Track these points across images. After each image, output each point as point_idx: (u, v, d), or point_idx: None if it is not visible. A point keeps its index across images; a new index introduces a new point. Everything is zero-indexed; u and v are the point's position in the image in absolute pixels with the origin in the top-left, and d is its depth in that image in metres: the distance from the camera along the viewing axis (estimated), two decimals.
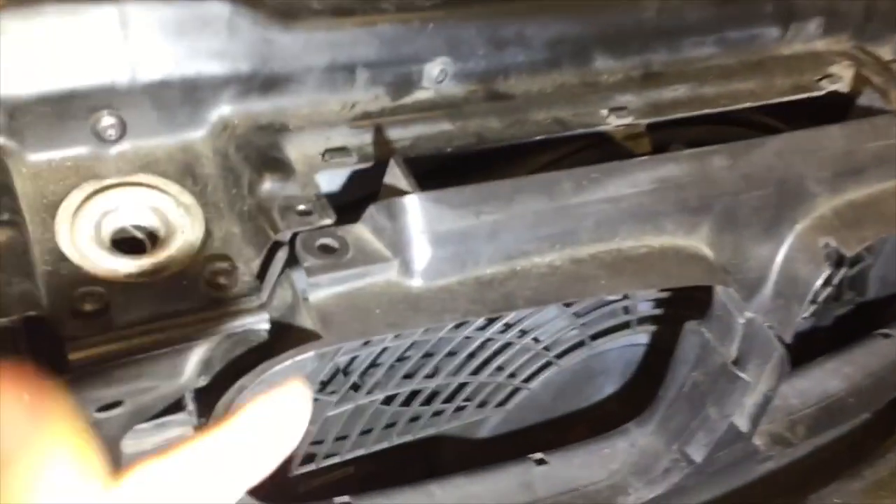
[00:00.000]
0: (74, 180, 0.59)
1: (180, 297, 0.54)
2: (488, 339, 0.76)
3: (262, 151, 0.62)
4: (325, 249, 0.57)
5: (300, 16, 0.64)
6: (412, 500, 0.76)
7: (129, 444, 0.57)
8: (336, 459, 0.75)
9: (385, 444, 0.78)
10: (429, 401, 0.78)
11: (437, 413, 0.80)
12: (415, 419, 0.78)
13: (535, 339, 0.82)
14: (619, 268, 0.63)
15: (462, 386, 0.79)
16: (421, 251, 0.58)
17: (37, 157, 0.58)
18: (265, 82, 0.64)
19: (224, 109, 0.63)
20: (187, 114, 0.62)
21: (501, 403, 0.84)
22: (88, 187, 0.58)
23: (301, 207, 0.59)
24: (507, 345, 0.79)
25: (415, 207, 0.58)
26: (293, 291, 0.57)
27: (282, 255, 0.57)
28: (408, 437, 0.80)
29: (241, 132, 0.63)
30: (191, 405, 0.59)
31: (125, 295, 0.54)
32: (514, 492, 0.78)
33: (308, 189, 0.61)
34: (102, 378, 0.52)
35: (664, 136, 0.76)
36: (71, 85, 0.59)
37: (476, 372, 0.79)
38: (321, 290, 0.56)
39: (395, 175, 0.60)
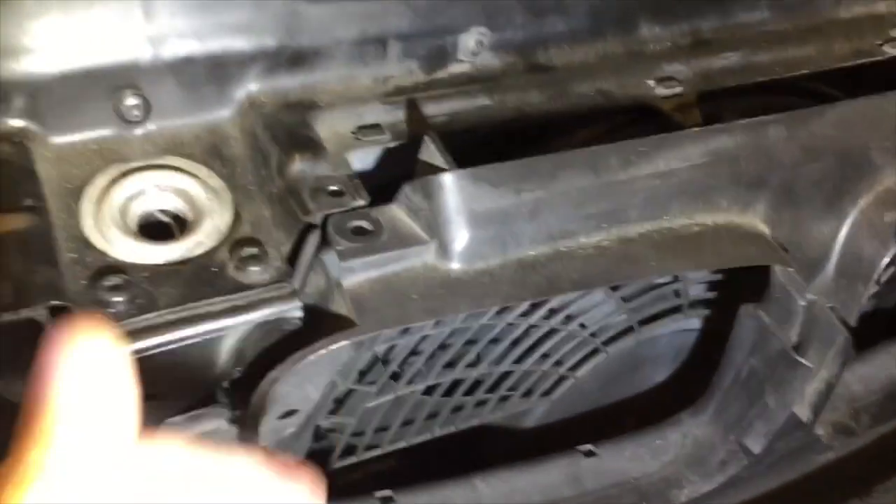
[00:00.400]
0: (98, 163, 0.56)
1: (209, 284, 0.52)
2: (532, 326, 0.73)
3: (292, 130, 0.59)
4: (359, 232, 0.54)
5: None
6: (455, 494, 0.73)
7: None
8: (377, 452, 0.73)
9: (427, 436, 0.75)
10: (471, 390, 0.75)
11: (481, 403, 0.77)
12: (457, 409, 0.75)
13: (582, 325, 0.79)
14: (671, 247, 0.59)
15: (506, 375, 0.76)
16: (459, 232, 0.55)
17: (59, 139, 0.56)
18: (293, 57, 0.61)
19: (251, 87, 0.60)
20: (213, 92, 0.59)
21: (547, 393, 0.81)
22: (113, 171, 0.56)
23: (333, 188, 0.56)
24: (552, 331, 0.76)
25: (452, 186, 0.54)
26: (326, 276, 0.54)
27: (313, 238, 0.54)
28: (450, 429, 0.77)
29: (269, 110, 0.60)
30: (224, 396, 0.57)
31: (153, 283, 0.51)
32: (561, 485, 0.74)
33: (340, 169, 0.58)
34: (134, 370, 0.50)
35: (715, 108, 0.72)
36: (92, 64, 0.56)
37: (520, 360, 0.76)
38: (355, 274, 0.53)
39: (430, 152, 0.56)
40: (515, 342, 0.73)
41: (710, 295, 0.81)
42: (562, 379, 0.81)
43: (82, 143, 0.57)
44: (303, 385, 0.53)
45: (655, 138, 0.60)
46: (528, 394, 0.79)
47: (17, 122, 0.55)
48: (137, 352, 0.49)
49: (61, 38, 0.55)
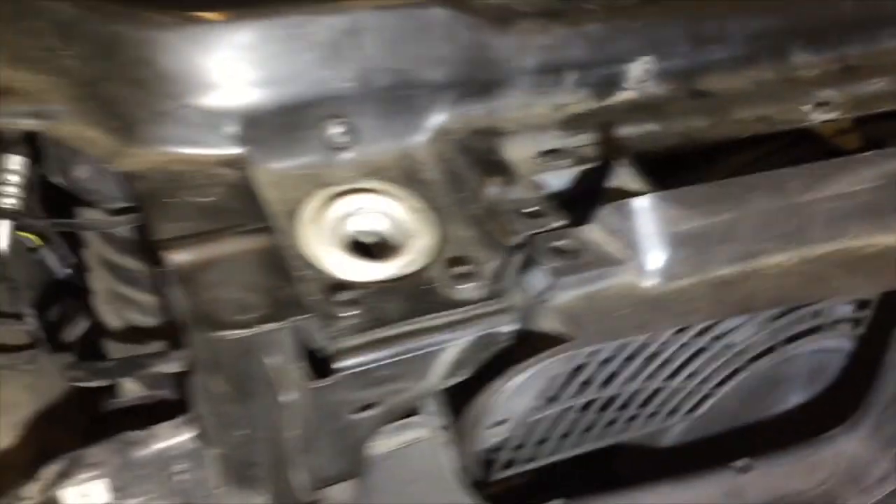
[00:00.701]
0: (308, 188, 0.60)
1: (425, 301, 0.55)
2: (683, 345, 0.74)
3: (483, 155, 0.62)
4: (563, 252, 0.56)
5: (513, 19, 0.64)
6: None
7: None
8: (533, 465, 0.75)
9: (579, 450, 0.77)
10: (624, 406, 0.77)
11: (632, 419, 0.79)
12: (610, 424, 0.77)
13: (727, 345, 0.80)
14: (853, 267, 0.61)
15: (657, 391, 0.78)
16: (657, 252, 0.57)
17: (274, 165, 0.59)
18: (481, 86, 0.64)
19: (442, 115, 0.63)
20: (409, 120, 0.63)
21: (691, 410, 0.83)
22: (324, 194, 0.59)
23: (532, 209, 0.59)
24: (701, 350, 0.77)
25: (650, 208, 0.57)
26: (526, 295, 0.57)
27: (518, 258, 0.57)
28: (601, 443, 0.79)
29: (460, 137, 0.63)
30: (432, 406, 0.59)
31: (375, 299, 0.54)
32: (721, 498, 0.76)
33: (533, 191, 0.60)
34: (362, 380, 0.53)
35: (875, 131, 0.74)
36: (303, 94, 0.60)
37: (671, 377, 0.78)
38: (562, 292, 0.55)
39: (624, 175, 0.59)
40: (667, 360, 0.75)
41: (858, 314, 0.82)
42: (706, 397, 0.83)
43: (294, 168, 0.60)
44: (515, 396, 0.56)
45: (834, 162, 0.62)
46: (674, 411, 0.81)
47: (237, 150, 0.58)
48: (367, 363, 0.51)
49: (274, 69, 0.59)
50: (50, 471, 0.74)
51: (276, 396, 0.55)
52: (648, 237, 0.57)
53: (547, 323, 0.55)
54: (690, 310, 0.56)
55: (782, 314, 0.80)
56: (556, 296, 0.55)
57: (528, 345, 0.55)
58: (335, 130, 0.60)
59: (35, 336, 0.90)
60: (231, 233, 0.54)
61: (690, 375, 0.79)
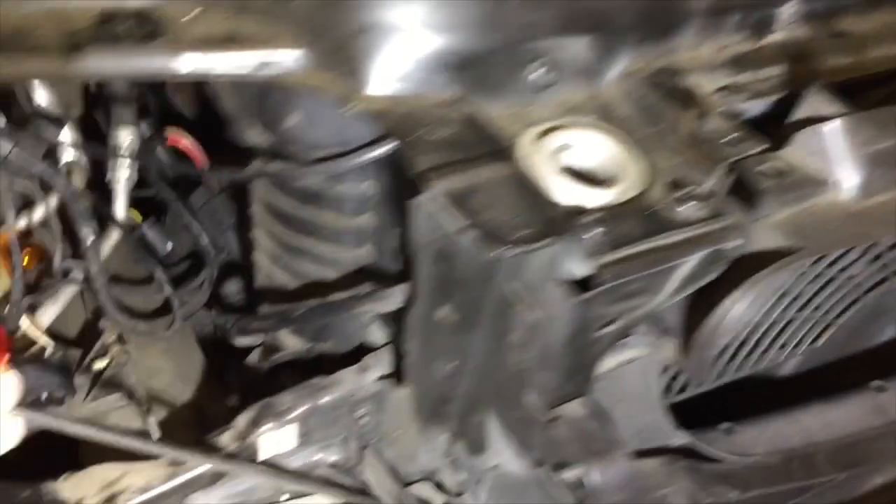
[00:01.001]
0: (518, 126, 0.63)
1: (655, 221, 0.59)
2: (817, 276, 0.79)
3: (673, 91, 0.66)
4: (772, 173, 0.61)
5: None
6: (783, 425, 0.80)
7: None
8: (702, 389, 0.79)
9: (732, 378, 0.82)
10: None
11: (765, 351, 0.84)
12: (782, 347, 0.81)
13: (850, 277, 0.86)
14: None
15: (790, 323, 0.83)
16: (855, 171, 0.62)
17: (486, 105, 0.63)
18: (661, 29, 0.69)
19: (628, 56, 0.68)
20: (601, 61, 0.67)
21: (814, 341, 0.88)
22: (534, 131, 0.63)
23: (732, 137, 0.63)
24: (830, 280, 0.83)
25: (845, 129, 0.62)
26: (743, 214, 0.61)
27: (727, 180, 0.62)
28: (745, 373, 0.84)
29: (645, 76, 0.68)
30: (646, 328, 0.64)
31: (612, 221, 0.58)
32: (870, 415, 0.82)
33: (728, 121, 0.65)
34: (611, 296, 0.57)
35: None
36: (511, 37, 0.63)
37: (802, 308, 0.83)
38: (776, 211, 0.60)
39: (817, 101, 0.64)
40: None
41: None
42: (828, 327, 0.88)
43: (504, 107, 0.64)
44: (747, 309, 0.60)
45: None
46: (800, 343, 0.86)
47: (457, 92, 0.62)
48: (624, 278, 0.56)
49: (489, 16, 0.62)
50: (243, 419, 0.76)
51: (522, 317, 0.59)
52: (847, 157, 0.62)
53: (764, 240, 0.60)
54: (886, 224, 0.62)
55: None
56: (770, 214, 0.60)
57: (747, 262, 0.60)
58: (539, 72, 0.64)
59: (171, 301, 0.93)
60: (482, 161, 0.57)
61: (819, 306, 0.84)
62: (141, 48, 0.56)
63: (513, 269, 0.57)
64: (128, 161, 0.86)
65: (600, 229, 0.56)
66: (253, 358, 0.92)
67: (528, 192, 0.57)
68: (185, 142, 0.98)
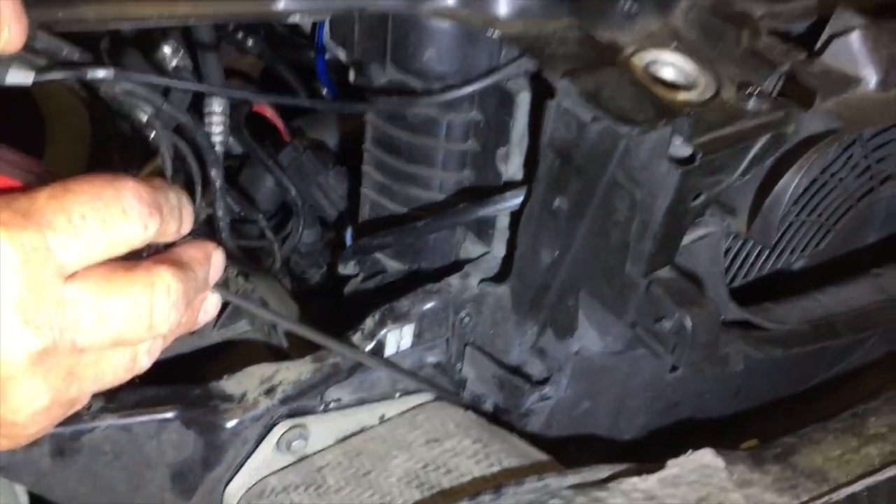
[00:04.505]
0: (612, 49, 0.78)
1: (732, 112, 0.74)
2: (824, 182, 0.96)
3: (729, 16, 0.82)
4: (815, 73, 0.78)
5: None
6: (806, 304, 0.96)
7: None
8: (755, 274, 0.95)
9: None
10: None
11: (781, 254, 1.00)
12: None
13: (840, 179, 1.02)
14: None
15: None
16: (879, 69, 0.79)
17: (591, 30, 0.78)
18: None
19: None
20: None
21: (817, 245, 1.04)
22: (628, 50, 0.78)
23: (783, 47, 0.79)
24: (834, 187, 0.99)
25: (869, 37, 0.79)
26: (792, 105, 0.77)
27: (779, 80, 0.78)
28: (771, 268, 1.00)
29: (706, 7, 0.83)
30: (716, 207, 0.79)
31: (701, 112, 0.73)
32: (875, 292, 0.99)
33: (775, 38, 0.81)
34: (703, 170, 0.72)
35: None
36: None
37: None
38: (822, 102, 0.76)
39: (844, 18, 0.80)
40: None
41: None
42: (828, 232, 1.05)
43: (605, 32, 0.79)
44: (804, 179, 0.76)
45: None
46: (805, 248, 1.03)
47: (571, 20, 0.77)
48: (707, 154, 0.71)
49: None
50: (370, 321, 0.89)
51: (630, 195, 0.73)
52: (868, 59, 0.79)
53: (813, 125, 0.76)
54: None
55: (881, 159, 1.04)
56: (816, 104, 0.76)
57: (800, 144, 0.76)
58: (628, 3, 0.79)
59: (273, 244, 1.05)
60: (600, 68, 0.72)
61: (823, 212, 1.01)
62: None
63: (629, 152, 0.71)
64: (221, 126, 0.98)
65: (692, 118, 0.72)
66: (351, 287, 1.04)
67: (639, 90, 0.72)
68: (269, 111, 1.11)
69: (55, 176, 0.51)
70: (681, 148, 0.71)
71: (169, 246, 0.54)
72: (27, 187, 0.49)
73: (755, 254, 0.94)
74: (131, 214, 0.49)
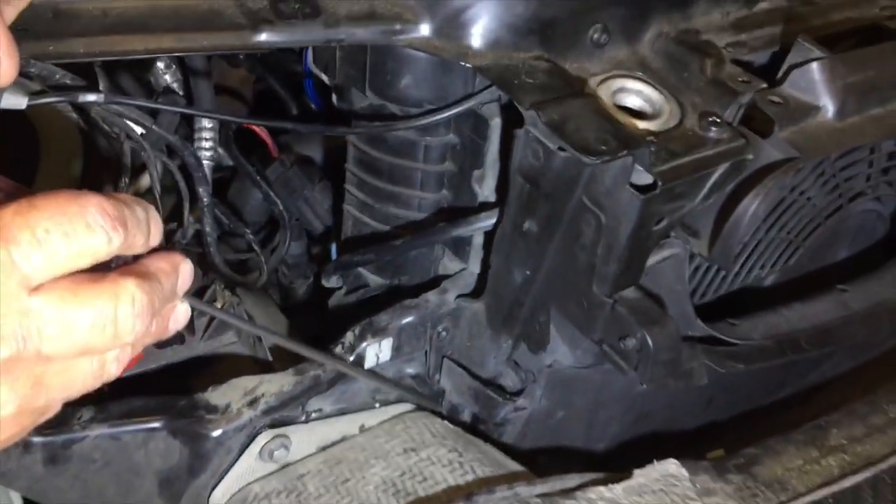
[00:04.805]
0: (584, 76, 0.82)
1: (692, 141, 0.78)
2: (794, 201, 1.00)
3: (696, 45, 0.86)
4: (775, 103, 0.81)
5: None
6: (772, 317, 1.00)
7: None
8: (720, 291, 0.99)
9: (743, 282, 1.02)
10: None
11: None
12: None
13: (809, 198, 1.06)
14: None
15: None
16: (836, 98, 0.82)
17: (560, 61, 0.81)
18: (682, 2, 0.88)
19: (658, 21, 0.87)
20: (638, 26, 0.86)
21: (787, 261, 1.08)
22: (596, 79, 0.82)
23: (742, 79, 0.83)
24: (792, 203, 1.03)
25: (827, 68, 0.82)
26: (751, 135, 0.81)
27: (740, 110, 0.81)
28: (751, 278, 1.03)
29: (672, 37, 0.87)
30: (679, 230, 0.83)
31: (663, 142, 0.77)
32: (837, 308, 1.03)
33: (737, 67, 0.85)
34: (664, 197, 0.75)
35: None
36: (578, 7, 0.82)
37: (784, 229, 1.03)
38: (780, 131, 0.80)
39: (804, 49, 0.84)
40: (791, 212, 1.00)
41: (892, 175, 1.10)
42: (797, 249, 1.09)
43: (570, 64, 0.82)
44: (761, 206, 0.80)
45: None
46: (776, 263, 1.06)
47: (540, 51, 0.80)
48: (678, 180, 0.74)
49: None
50: (350, 335, 0.93)
51: (595, 220, 0.77)
52: (826, 89, 0.82)
53: (770, 154, 0.80)
54: (861, 134, 0.82)
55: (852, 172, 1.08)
56: (774, 133, 0.80)
57: (759, 173, 0.80)
58: (597, 34, 0.83)
59: (259, 258, 1.08)
60: (567, 98, 0.75)
61: (791, 229, 1.05)
62: (310, 23, 0.72)
63: (594, 179, 0.75)
64: (210, 142, 1.02)
65: (654, 147, 0.75)
66: (335, 300, 1.08)
67: (603, 120, 0.75)
68: (257, 129, 1.15)
69: (25, 192, 0.54)
70: (643, 176, 0.75)
71: (138, 258, 0.57)
72: None
73: (722, 272, 0.98)
74: (95, 228, 0.51)
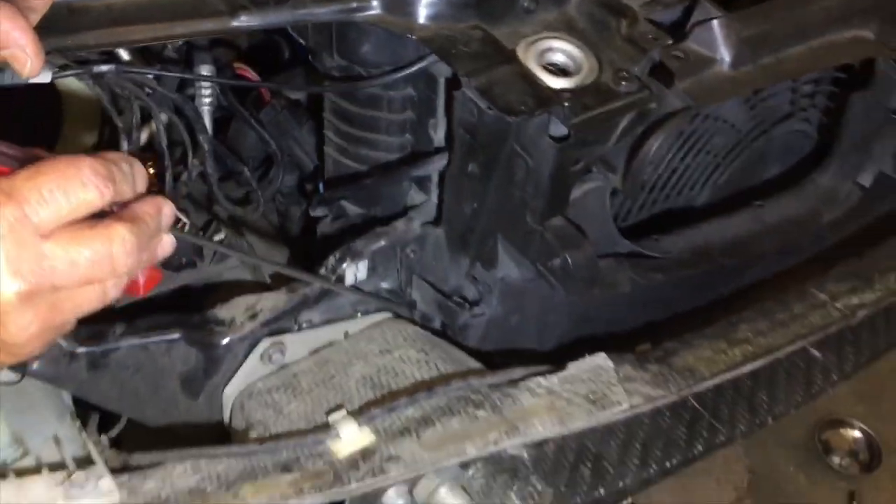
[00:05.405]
0: (515, 39, 0.96)
1: (606, 94, 0.93)
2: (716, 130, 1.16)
3: (614, 7, 1.00)
4: (677, 58, 0.96)
5: None
6: (692, 233, 1.17)
7: None
8: (641, 216, 1.16)
9: (661, 207, 1.19)
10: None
11: (693, 186, 1.21)
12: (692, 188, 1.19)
13: (732, 125, 1.21)
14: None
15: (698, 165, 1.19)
16: (732, 51, 0.97)
17: (493, 28, 0.96)
18: None
19: None
20: None
21: (717, 180, 1.24)
22: (526, 41, 0.96)
23: (651, 36, 0.97)
24: (717, 131, 1.18)
25: (726, 24, 0.97)
26: (660, 86, 0.96)
27: (650, 64, 0.96)
28: (670, 203, 1.21)
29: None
30: (601, 164, 0.99)
31: (578, 97, 0.92)
32: (750, 223, 1.19)
33: (649, 25, 0.99)
34: (578, 144, 0.91)
35: None
36: None
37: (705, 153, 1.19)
38: (684, 81, 0.95)
39: (706, 8, 0.98)
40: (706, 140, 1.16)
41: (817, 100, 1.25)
42: (726, 169, 1.25)
43: (506, 27, 0.97)
44: (661, 146, 0.96)
45: None
46: (704, 184, 1.23)
47: (475, 21, 0.95)
48: (588, 128, 0.90)
49: None
50: (332, 258, 1.11)
51: (523, 165, 0.94)
52: (727, 42, 0.97)
53: (670, 102, 0.95)
54: (752, 81, 0.97)
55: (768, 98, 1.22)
56: (682, 83, 0.95)
57: (663, 118, 0.95)
58: (526, 1, 0.97)
59: (256, 192, 1.26)
60: (497, 64, 0.91)
61: (718, 152, 1.20)
62: (280, 7, 0.88)
63: (519, 131, 0.91)
64: (210, 90, 1.18)
65: (570, 102, 0.91)
66: (322, 227, 1.26)
67: (526, 83, 0.91)
68: (250, 73, 1.30)
69: (35, 157, 0.69)
70: (560, 128, 0.91)
71: (128, 203, 0.71)
72: (13, 171, 0.66)
73: (644, 196, 1.14)
74: (89, 185, 0.65)
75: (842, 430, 2.34)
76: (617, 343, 1.22)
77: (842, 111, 1.19)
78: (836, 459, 2.28)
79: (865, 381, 2.38)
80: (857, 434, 2.33)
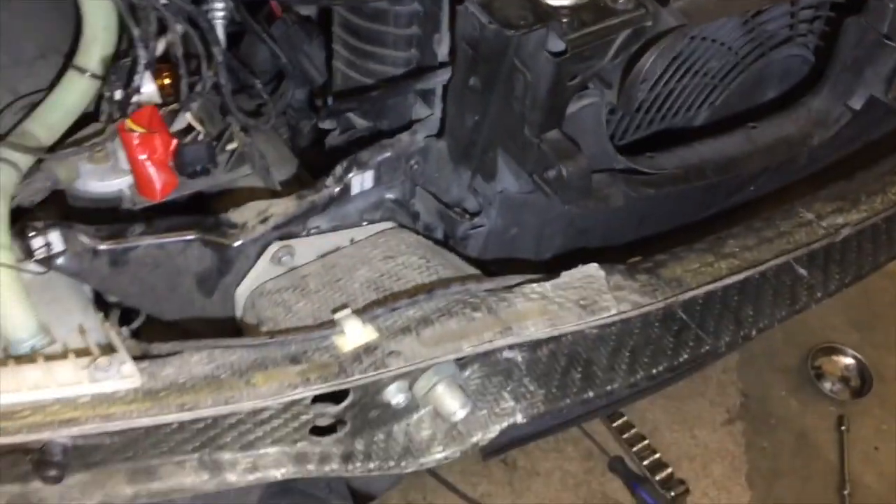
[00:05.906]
0: None
1: (602, 12, 0.97)
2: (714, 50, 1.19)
3: None
4: None
5: None
6: (686, 151, 1.22)
7: None
8: (637, 135, 1.20)
9: (658, 126, 1.23)
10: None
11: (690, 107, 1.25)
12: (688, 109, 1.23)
13: (730, 48, 1.25)
14: None
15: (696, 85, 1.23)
16: None
17: None
18: None
19: None
20: None
21: (713, 102, 1.28)
22: None
23: None
24: (715, 53, 1.22)
25: None
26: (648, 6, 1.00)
27: None
28: (666, 124, 1.25)
29: None
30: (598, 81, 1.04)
31: (576, 13, 0.96)
32: (743, 143, 1.24)
33: None
34: (575, 60, 0.96)
35: None
36: None
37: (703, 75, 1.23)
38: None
39: None
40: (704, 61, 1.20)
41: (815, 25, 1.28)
42: (724, 90, 1.29)
43: None
44: (656, 63, 1.00)
45: None
46: (701, 104, 1.27)
47: None
48: (585, 43, 0.94)
49: None
50: (339, 168, 1.17)
51: (522, 79, 0.98)
52: None
53: (664, 22, 0.99)
54: (746, 1, 1.01)
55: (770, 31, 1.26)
56: (671, 3, 0.99)
57: (656, 35, 0.99)
58: None
59: (267, 103, 1.31)
60: None
61: (716, 74, 1.24)
62: None
63: (519, 46, 0.96)
64: (223, 4, 1.22)
65: (568, 18, 0.95)
66: (330, 139, 1.31)
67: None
68: None
69: None
70: (558, 43, 0.96)
71: None
72: None
73: (642, 115, 1.19)
74: None
75: (834, 357, 2.40)
76: (610, 256, 1.29)
77: (837, 36, 1.22)
78: (827, 385, 2.35)
79: (861, 310, 2.45)
80: (849, 361, 2.39)
